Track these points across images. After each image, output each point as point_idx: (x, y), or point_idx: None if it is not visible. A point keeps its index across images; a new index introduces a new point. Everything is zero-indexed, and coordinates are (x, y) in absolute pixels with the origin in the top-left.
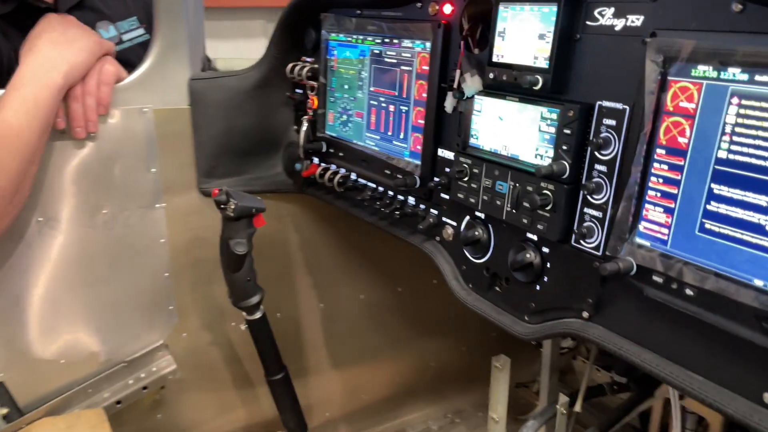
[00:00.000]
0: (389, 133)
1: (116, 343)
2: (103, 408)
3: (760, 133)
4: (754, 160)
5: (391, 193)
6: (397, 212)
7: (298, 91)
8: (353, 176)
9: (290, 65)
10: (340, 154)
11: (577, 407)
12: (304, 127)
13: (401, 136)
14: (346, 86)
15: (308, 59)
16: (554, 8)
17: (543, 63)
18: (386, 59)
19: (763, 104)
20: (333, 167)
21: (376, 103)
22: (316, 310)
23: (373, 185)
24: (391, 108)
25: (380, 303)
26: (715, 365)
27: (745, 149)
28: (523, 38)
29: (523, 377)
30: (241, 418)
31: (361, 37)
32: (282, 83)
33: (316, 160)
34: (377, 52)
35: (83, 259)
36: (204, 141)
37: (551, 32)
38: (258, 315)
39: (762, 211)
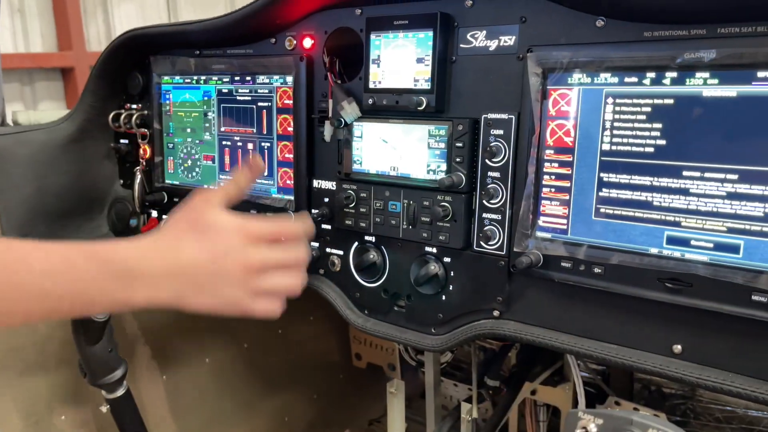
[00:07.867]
0: None
1: None
2: None
3: (635, 124)
4: (633, 148)
5: None
6: None
7: (123, 141)
8: None
9: (113, 114)
10: None
11: (474, 413)
12: (138, 178)
13: (265, 174)
14: (188, 130)
15: (134, 106)
16: (430, 33)
17: (425, 84)
18: (238, 98)
19: (634, 101)
20: None
21: (229, 143)
22: (158, 382)
23: None
24: (250, 146)
25: (227, 364)
26: (625, 332)
27: (624, 140)
28: (401, 63)
29: (373, 413)
30: None
31: (203, 77)
32: (102, 134)
33: (155, 213)
34: (225, 91)
35: None
36: (10, 206)
37: (429, 55)
38: (121, 392)
39: (646, 189)
